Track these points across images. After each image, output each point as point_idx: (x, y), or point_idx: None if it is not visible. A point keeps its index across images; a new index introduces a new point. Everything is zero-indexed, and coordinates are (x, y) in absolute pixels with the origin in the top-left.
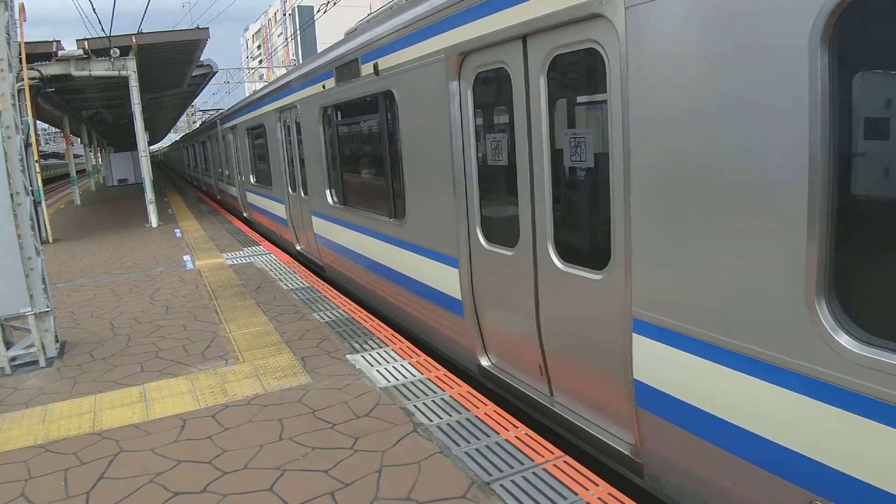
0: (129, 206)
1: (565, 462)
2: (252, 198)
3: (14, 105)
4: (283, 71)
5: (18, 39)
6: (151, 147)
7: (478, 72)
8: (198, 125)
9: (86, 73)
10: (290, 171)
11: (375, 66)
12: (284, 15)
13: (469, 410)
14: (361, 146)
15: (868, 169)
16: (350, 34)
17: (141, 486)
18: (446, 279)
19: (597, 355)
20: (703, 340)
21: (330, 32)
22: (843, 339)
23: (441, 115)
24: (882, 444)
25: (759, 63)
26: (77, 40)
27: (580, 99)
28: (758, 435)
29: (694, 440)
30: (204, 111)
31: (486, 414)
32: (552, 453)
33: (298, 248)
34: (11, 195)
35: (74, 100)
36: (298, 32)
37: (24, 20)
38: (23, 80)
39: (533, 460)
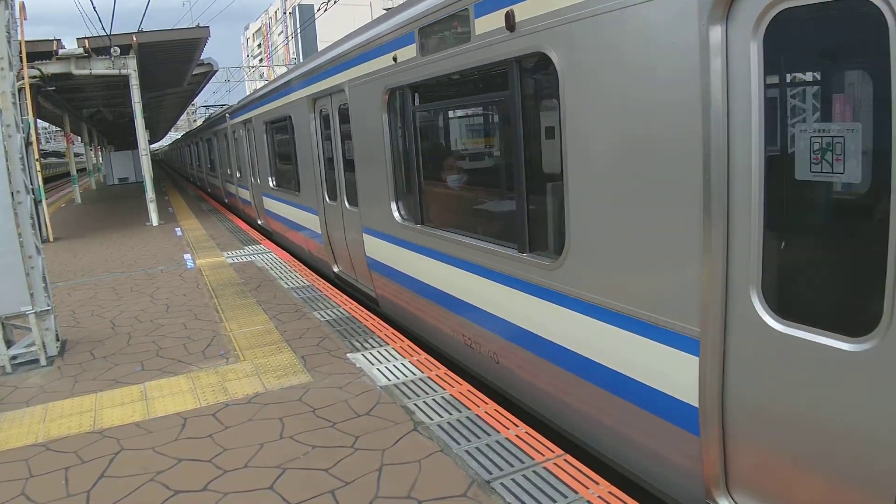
0: (129, 205)
1: (565, 461)
2: (271, 204)
3: (14, 103)
4: (284, 70)
5: (19, 38)
6: (152, 146)
7: (781, 8)
8: (199, 123)
9: (86, 71)
10: (328, 175)
11: (509, 17)
12: (285, 13)
13: (469, 409)
14: (463, 142)
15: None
16: None
17: (141, 485)
18: (663, 369)
19: None
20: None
21: (330, 31)
22: None
23: (674, 88)
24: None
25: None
26: (77, 39)
27: None
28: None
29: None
30: (207, 107)
31: (486, 412)
32: (553, 452)
33: (336, 269)
34: (12, 194)
35: (75, 98)
36: (299, 31)
37: (25, 19)
38: (23, 78)
39: (533, 459)
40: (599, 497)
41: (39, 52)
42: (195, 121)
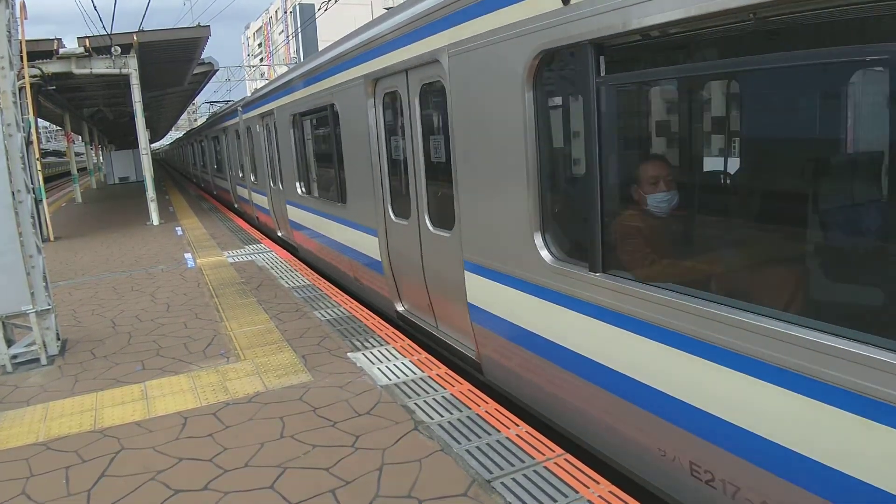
0: (130, 204)
1: (566, 460)
2: (298, 216)
3: (15, 103)
4: (285, 69)
5: (19, 37)
6: (153, 145)
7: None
8: (199, 122)
9: (87, 71)
10: (396, 183)
11: None
12: (285, 13)
13: (470, 408)
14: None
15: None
16: None
17: (142, 484)
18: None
19: None
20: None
21: (331, 30)
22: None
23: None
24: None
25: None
26: (78, 38)
27: None
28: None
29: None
30: (211, 103)
31: (486, 412)
32: (553, 451)
33: (402, 309)
34: (13, 193)
35: (75, 98)
36: (299, 30)
37: (25, 18)
38: (24, 77)
39: (534, 458)
40: (600, 496)
41: (40, 52)
42: (195, 120)
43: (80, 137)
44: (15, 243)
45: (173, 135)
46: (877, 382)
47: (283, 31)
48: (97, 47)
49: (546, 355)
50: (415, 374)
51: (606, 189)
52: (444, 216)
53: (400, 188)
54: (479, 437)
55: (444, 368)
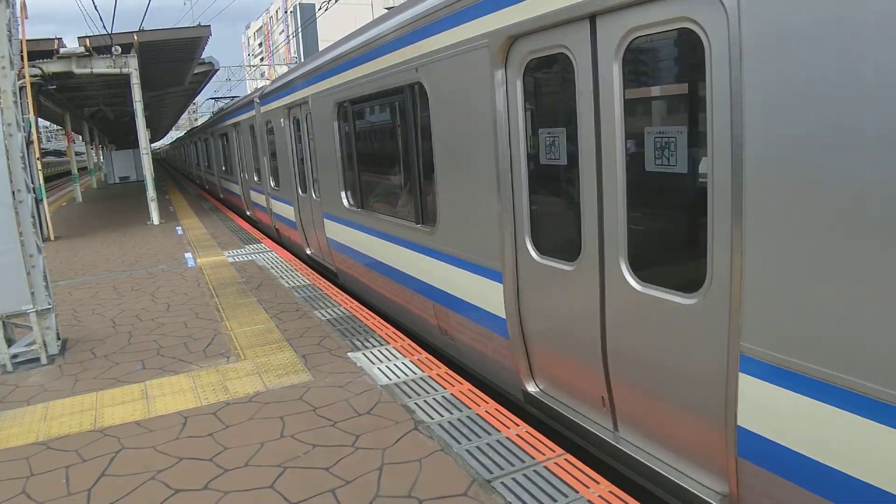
0: (130, 204)
1: (566, 460)
2: (344, 234)
3: (15, 102)
4: (285, 69)
5: (20, 37)
6: (153, 144)
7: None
8: (199, 122)
9: (87, 70)
10: (552, 205)
11: None
12: (286, 13)
13: (470, 408)
14: None
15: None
16: None
17: (142, 484)
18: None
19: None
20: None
21: (331, 30)
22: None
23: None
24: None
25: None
26: (78, 38)
27: None
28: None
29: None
30: (216, 99)
31: (486, 412)
32: (553, 451)
33: (535, 390)
34: (13, 192)
35: (76, 97)
36: (300, 30)
37: (26, 17)
38: (24, 77)
39: (534, 458)
40: (600, 496)
41: (40, 51)
42: (196, 119)
43: (80, 137)
44: (15, 243)
45: (174, 134)
46: None
47: (283, 30)
48: (97, 47)
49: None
50: (415, 373)
51: None
52: (673, 266)
53: (554, 209)
54: (480, 437)
55: (444, 368)
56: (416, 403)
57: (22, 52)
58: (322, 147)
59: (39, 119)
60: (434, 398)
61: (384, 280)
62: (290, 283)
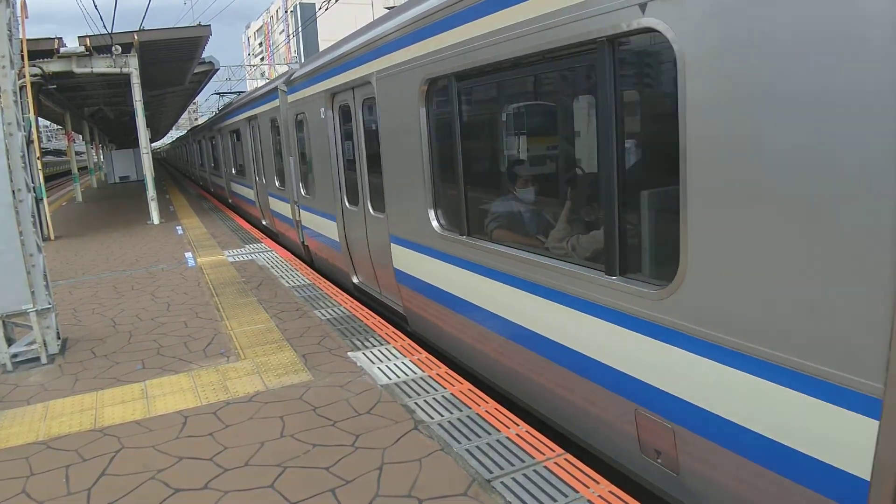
0: (130, 204)
1: (566, 460)
2: (430, 270)
3: (16, 102)
4: (285, 69)
5: (20, 36)
6: (153, 144)
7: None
8: (200, 121)
9: (87, 70)
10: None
11: None
12: (286, 12)
13: (470, 408)
14: None
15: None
16: None
17: (142, 483)
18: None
19: None
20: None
21: (331, 30)
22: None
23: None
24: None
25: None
26: (79, 37)
27: None
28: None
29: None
30: (221, 94)
31: (486, 411)
32: (553, 451)
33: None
34: (13, 192)
35: (76, 97)
36: (300, 30)
37: (26, 17)
38: (24, 76)
39: (534, 458)
40: (600, 496)
41: (41, 51)
42: (196, 119)
43: (80, 136)
44: (15, 242)
45: (174, 134)
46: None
47: (283, 30)
48: (98, 46)
49: None
50: (415, 373)
51: None
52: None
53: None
54: (479, 437)
55: (444, 368)
56: (416, 403)
57: (22, 51)
58: (392, 144)
59: (39, 118)
60: (434, 398)
61: (523, 353)
62: (291, 282)
